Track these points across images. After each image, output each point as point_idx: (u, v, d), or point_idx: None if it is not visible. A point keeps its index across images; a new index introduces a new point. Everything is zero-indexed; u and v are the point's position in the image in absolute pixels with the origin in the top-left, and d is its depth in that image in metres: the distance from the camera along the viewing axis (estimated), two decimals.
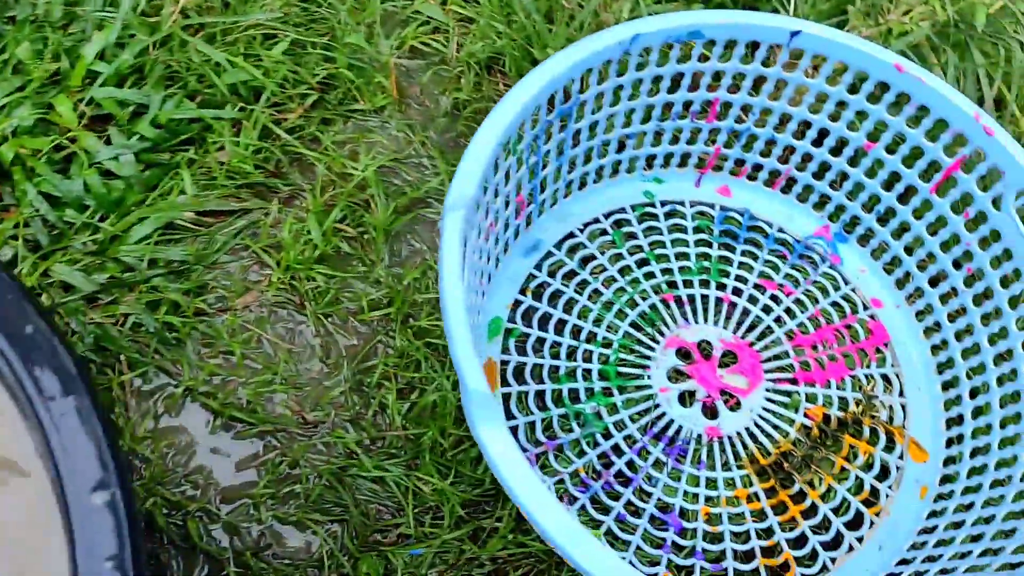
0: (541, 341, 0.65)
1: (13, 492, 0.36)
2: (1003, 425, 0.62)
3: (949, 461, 0.64)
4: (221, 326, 0.61)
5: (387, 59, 0.71)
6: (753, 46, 0.63)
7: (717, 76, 0.66)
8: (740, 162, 0.72)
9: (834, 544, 0.61)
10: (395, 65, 0.71)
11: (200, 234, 0.63)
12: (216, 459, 0.57)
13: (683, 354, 0.66)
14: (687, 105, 0.68)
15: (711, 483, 0.62)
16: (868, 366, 0.68)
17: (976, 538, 0.57)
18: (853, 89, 0.65)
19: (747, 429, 0.64)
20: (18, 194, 0.61)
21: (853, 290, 0.71)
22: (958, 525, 0.59)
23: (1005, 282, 0.64)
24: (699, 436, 0.63)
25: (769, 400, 0.65)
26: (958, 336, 0.67)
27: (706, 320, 0.68)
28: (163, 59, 0.65)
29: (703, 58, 0.64)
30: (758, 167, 0.72)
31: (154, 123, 0.63)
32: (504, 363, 0.63)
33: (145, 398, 0.58)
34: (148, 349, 0.59)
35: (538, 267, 0.67)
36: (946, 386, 0.67)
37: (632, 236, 0.70)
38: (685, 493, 0.61)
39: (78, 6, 0.67)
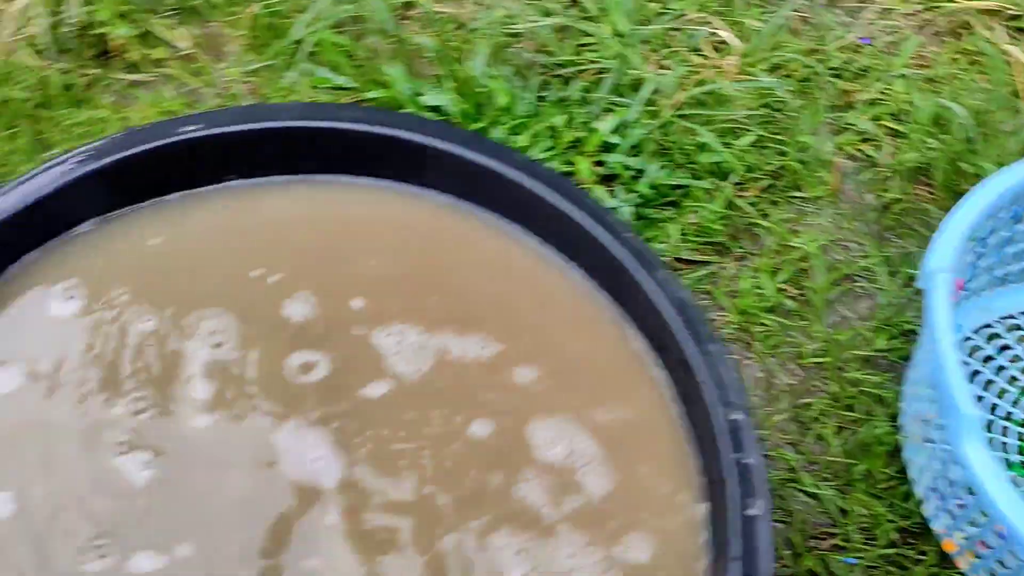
0: None
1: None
2: None
3: None
4: None
5: (830, 157, 0.93)
6: None
7: None
8: None
9: None
10: (837, 164, 0.93)
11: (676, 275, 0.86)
12: None
13: None
14: None
15: None
16: None
17: None
18: None
19: None
20: None
21: None
22: None
23: None
24: None
25: None
26: None
27: None
28: (657, 138, 0.91)
29: None
30: None
31: (650, 185, 0.88)
32: None
33: None
34: None
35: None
36: None
37: None
38: None
39: (589, 92, 0.95)
